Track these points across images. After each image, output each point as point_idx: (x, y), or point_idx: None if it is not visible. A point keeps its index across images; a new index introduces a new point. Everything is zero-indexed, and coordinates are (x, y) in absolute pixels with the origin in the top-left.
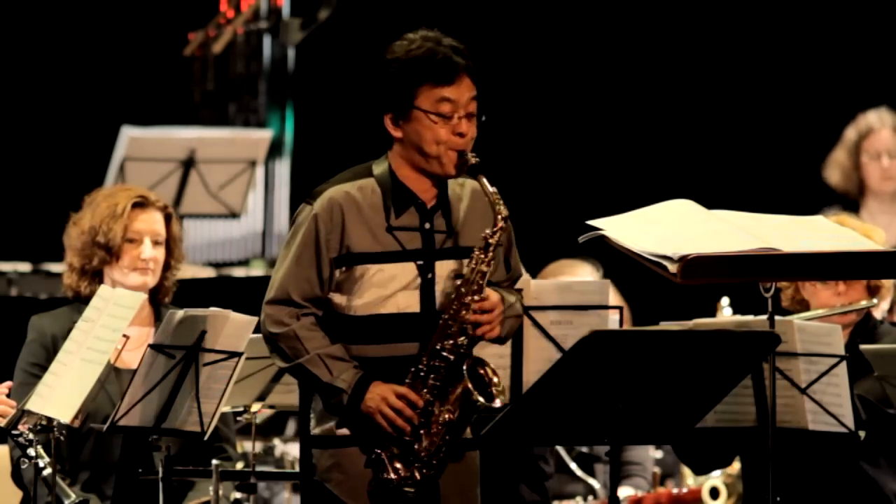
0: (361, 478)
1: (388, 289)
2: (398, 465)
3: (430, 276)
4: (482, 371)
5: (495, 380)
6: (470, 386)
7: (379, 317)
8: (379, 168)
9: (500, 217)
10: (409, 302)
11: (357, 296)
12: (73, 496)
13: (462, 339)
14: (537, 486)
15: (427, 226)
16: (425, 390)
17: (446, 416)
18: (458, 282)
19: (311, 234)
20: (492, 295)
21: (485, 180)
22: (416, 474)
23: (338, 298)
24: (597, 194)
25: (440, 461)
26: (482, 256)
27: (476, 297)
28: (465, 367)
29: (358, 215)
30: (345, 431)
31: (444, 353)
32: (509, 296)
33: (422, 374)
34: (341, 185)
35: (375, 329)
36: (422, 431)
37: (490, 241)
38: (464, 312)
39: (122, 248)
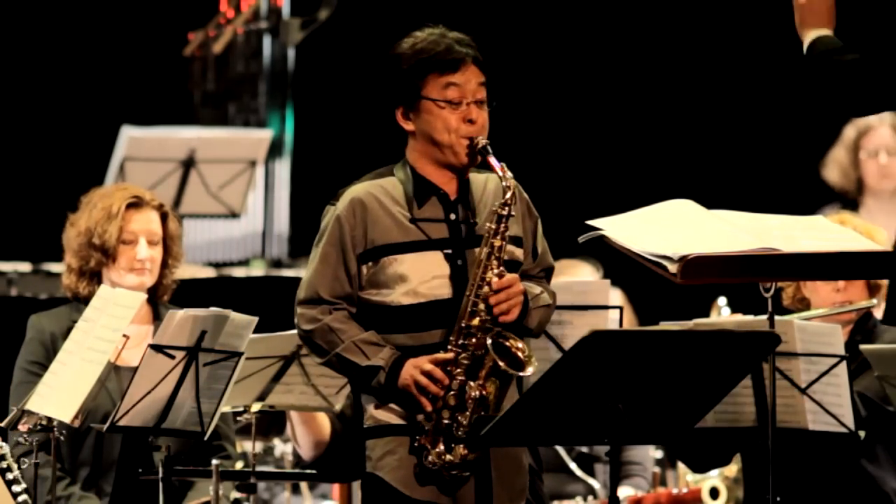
0: (412, 463)
1: (419, 277)
2: (440, 449)
3: (459, 262)
4: (507, 343)
5: (522, 349)
6: (496, 357)
7: (414, 306)
8: (399, 167)
9: (507, 188)
10: (441, 289)
11: (390, 287)
12: None
13: (488, 316)
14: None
15: (452, 216)
16: (458, 370)
17: (476, 392)
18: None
19: (335, 233)
20: (510, 275)
21: (492, 158)
22: (457, 456)
23: (372, 293)
24: (597, 194)
25: (480, 439)
26: (493, 228)
27: (495, 272)
28: (489, 342)
29: (380, 209)
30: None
31: (472, 331)
32: (534, 287)
33: (452, 353)
34: (363, 184)
35: (411, 318)
36: (458, 413)
37: (501, 212)
38: (486, 289)
39: (117, 250)
